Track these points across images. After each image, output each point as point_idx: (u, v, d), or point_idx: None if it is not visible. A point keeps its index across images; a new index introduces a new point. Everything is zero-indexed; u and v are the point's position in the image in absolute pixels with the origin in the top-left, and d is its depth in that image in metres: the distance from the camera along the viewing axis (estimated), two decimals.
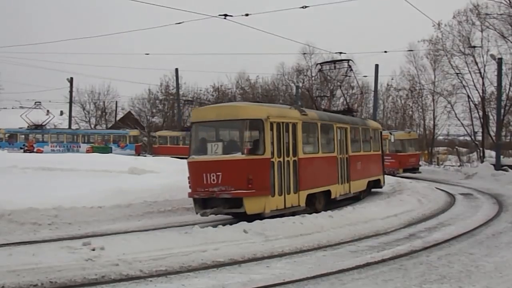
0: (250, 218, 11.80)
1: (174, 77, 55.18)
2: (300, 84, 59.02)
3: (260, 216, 12.02)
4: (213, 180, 12.26)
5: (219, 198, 12.30)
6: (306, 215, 12.22)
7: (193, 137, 13.50)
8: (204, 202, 12.64)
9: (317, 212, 13.54)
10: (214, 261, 8.63)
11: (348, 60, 21.29)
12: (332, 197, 15.70)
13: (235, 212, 12.57)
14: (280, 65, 61.57)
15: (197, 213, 12.79)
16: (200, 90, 62.64)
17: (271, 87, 61.99)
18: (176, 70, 54.04)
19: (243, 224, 10.96)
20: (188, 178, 13.02)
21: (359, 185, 17.95)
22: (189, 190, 12.98)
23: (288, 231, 10.79)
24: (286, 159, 13.11)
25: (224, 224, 11.29)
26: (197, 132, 13.61)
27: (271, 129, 12.70)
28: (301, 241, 10.31)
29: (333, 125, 16.31)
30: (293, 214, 12.78)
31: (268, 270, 8.27)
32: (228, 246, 9.48)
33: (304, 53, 57.20)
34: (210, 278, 7.74)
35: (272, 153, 12.62)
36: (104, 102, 64.99)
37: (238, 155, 12.45)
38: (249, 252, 9.31)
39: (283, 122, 13.17)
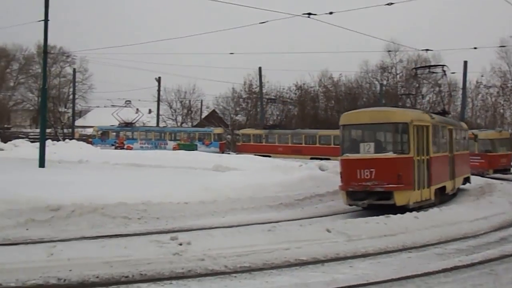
0: (397, 210, 13.05)
1: (258, 76, 55.71)
2: (384, 82, 57.88)
3: (404, 208, 13.38)
4: (367, 175, 13.91)
5: (368, 191, 13.91)
6: (391, 215, 12.00)
7: (345, 138, 15.33)
8: (353, 195, 14.23)
9: (434, 206, 14.72)
10: (297, 260, 8.66)
11: (443, 66, 21.27)
12: (446, 192, 16.82)
13: (383, 204, 13.91)
14: (364, 62, 60.71)
15: (348, 204, 14.57)
16: (283, 89, 62.94)
17: (354, 85, 61.22)
18: (260, 69, 54.54)
19: (326, 223, 10.95)
20: (340, 173, 14.77)
21: (458, 181, 19.03)
22: (338, 184, 14.84)
23: (371, 231, 10.64)
24: (422, 157, 14.67)
25: (307, 223, 11.30)
26: (349, 133, 15.48)
27: (413, 131, 14.23)
28: (385, 242, 10.14)
29: (446, 127, 17.64)
30: (420, 207, 13.87)
31: (352, 270, 8.21)
32: (311, 245, 9.47)
33: (389, 51, 56.19)
34: (293, 276, 7.79)
35: (414, 152, 14.19)
36: (190, 100, 66.64)
37: (389, 154, 14.20)
38: (332, 251, 9.28)
39: (420, 125, 14.79)
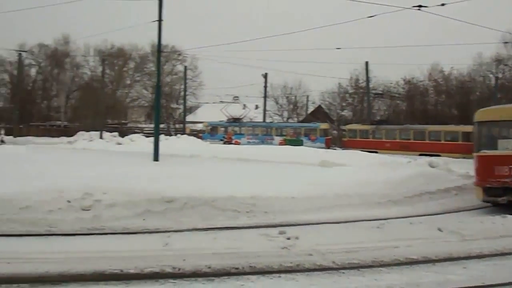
0: None
1: (364, 71, 54.86)
2: (500, 75, 54.77)
3: None
4: (506, 172, 13.87)
5: (506, 187, 13.77)
6: (508, 215, 11.37)
7: (481, 134, 15.34)
8: (489, 191, 14.16)
9: None
10: (407, 258, 8.47)
11: None
12: None
13: None
14: (477, 55, 57.67)
15: (483, 200, 14.53)
16: (391, 83, 61.52)
17: (467, 78, 58.39)
18: (366, 63, 53.65)
19: (437, 222, 10.61)
20: (476, 169, 14.91)
21: None
22: (472, 180, 15.28)
23: (487, 232, 10.14)
24: None
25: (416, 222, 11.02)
26: (485, 130, 15.43)
27: None
28: (502, 243, 9.60)
29: None
30: None
31: (465, 271, 7.90)
32: (421, 244, 9.21)
33: (505, 42, 52.90)
34: (403, 275, 7.64)
35: None
36: (295, 96, 67.00)
37: None
38: (444, 251, 8.95)
39: None
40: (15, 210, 10.83)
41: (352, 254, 8.41)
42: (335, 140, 52.85)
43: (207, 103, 76.79)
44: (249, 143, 47.00)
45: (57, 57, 72.53)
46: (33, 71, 74.97)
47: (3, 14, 73.42)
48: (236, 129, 51.30)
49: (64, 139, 50.94)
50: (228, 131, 51.07)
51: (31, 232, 10.00)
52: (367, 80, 54.57)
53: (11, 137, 53.46)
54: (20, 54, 62.68)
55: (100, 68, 62.24)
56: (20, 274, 7.25)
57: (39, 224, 10.45)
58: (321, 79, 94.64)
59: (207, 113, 66.94)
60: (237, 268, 7.70)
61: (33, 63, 73.83)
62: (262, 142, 47.12)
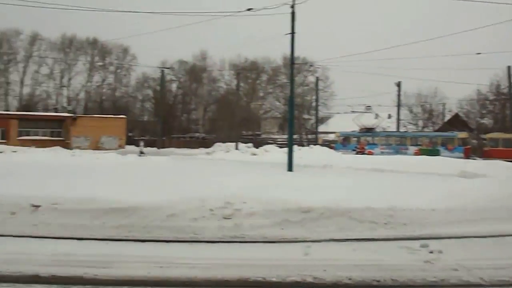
0: None
1: (506, 76, 51.60)
2: None
3: None
4: None
5: None
6: None
7: None
8: None
9: None
10: None
11: None
12: None
13: None
14: None
15: None
16: None
17: None
18: (508, 68, 50.42)
19: None
20: None
21: None
22: None
23: None
24: None
25: None
26: None
27: None
28: None
29: None
30: None
31: None
32: None
33: None
34: None
35: None
36: (431, 104, 64.76)
37: None
38: None
39: None
40: (163, 218, 11.59)
41: (502, 271, 7.96)
42: (475, 150, 50.17)
43: (338, 113, 76.62)
44: (382, 153, 46.16)
45: (195, 72, 76.72)
46: (173, 86, 79.96)
47: (149, 34, 78.86)
48: (369, 139, 50.53)
49: (203, 150, 53.60)
50: (360, 141, 50.46)
51: (178, 239, 10.64)
52: (510, 85, 51.24)
53: (154, 148, 57.22)
54: (162, 70, 67.10)
55: (235, 82, 64.82)
56: (170, 278, 7.77)
57: (185, 231, 11.08)
58: (458, 86, 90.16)
59: (339, 123, 66.70)
60: (378, 281, 7.61)
61: (174, 78, 78.81)
62: (396, 152, 45.96)
